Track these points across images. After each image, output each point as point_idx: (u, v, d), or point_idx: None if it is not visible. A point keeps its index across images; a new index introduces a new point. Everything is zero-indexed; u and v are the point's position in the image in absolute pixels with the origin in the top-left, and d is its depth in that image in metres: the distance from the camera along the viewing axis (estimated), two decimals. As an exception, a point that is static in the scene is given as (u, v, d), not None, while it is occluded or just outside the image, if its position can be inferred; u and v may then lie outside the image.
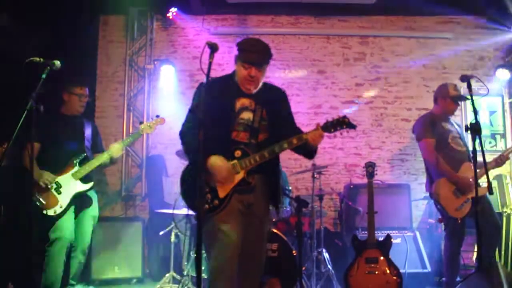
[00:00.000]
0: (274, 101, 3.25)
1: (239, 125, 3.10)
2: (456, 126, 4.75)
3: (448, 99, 4.65)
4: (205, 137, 2.61)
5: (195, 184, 2.93)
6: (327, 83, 6.65)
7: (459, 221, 4.36)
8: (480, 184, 4.27)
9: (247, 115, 3.12)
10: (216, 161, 2.98)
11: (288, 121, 3.30)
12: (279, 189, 3.27)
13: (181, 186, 3.15)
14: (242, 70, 3.09)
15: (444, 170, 4.45)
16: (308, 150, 3.15)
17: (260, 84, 3.18)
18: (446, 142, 4.56)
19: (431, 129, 4.59)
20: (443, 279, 4.56)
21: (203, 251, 3.21)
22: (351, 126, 3.05)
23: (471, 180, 4.27)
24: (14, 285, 4.48)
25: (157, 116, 4.81)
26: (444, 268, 4.53)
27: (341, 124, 3.02)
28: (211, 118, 2.82)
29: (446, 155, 4.51)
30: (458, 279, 4.40)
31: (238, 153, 3.05)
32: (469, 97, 3.59)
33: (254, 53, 3.09)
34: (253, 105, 3.14)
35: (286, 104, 3.34)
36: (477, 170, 3.52)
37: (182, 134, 3.18)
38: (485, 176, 3.55)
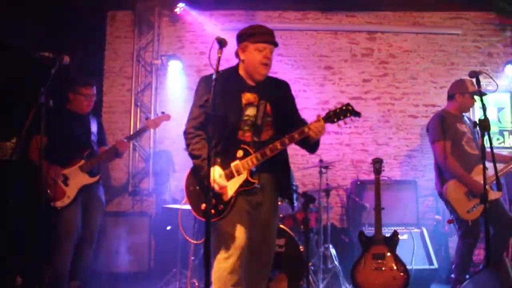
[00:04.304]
0: (278, 93, 3.17)
1: (244, 123, 3.02)
2: (468, 121, 4.70)
3: (467, 95, 4.58)
4: (211, 137, 2.55)
5: (199, 189, 2.96)
6: (334, 79, 6.63)
7: (470, 224, 4.33)
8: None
9: (251, 112, 3.04)
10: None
11: (293, 114, 3.22)
12: (290, 185, 3.20)
13: (186, 191, 3.08)
14: (256, 55, 3.03)
15: (458, 173, 4.41)
16: (310, 143, 3.04)
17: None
18: (460, 144, 4.51)
19: (447, 131, 4.51)
20: (452, 275, 4.54)
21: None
22: (355, 113, 2.89)
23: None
24: (22, 279, 4.51)
25: (162, 113, 4.82)
26: (454, 265, 4.50)
27: (345, 112, 2.88)
28: (217, 115, 2.75)
29: (459, 157, 4.46)
30: (467, 276, 4.38)
31: (240, 153, 2.96)
32: (487, 92, 3.53)
33: (267, 34, 3.06)
34: (257, 100, 3.07)
35: (290, 96, 3.26)
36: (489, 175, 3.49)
37: (186, 135, 3.09)
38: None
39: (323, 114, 2.96)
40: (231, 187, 2.95)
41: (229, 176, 2.95)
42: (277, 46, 3.12)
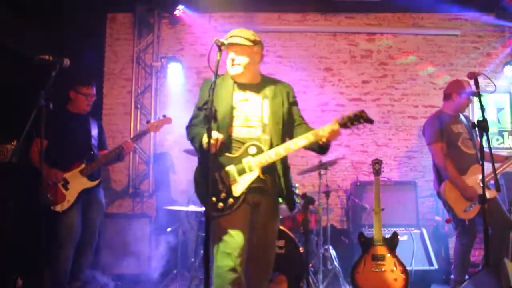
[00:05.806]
0: (277, 92, 3.16)
1: (237, 119, 3.06)
2: (465, 121, 4.71)
3: (464, 95, 4.59)
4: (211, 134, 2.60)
5: (207, 183, 2.95)
6: (334, 81, 6.64)
7: (467, 223, 4.35)
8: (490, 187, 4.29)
9: (247, 108, 3.09)
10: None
11: (294, 114, 3.23)
12: (290, 186, 3.21)
13: (195, 186, 3.10)
14: (228, 58, 3.11)
15: (453, 176, 4.43)
16: (322, 146, 3.05)
17: (246, 70, 3.10)
18: (456, 145, 4.53)
19: (442, 132, 4.53)
20: (451, 276, 4.55)
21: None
22: (369, 120, 2.92)
23: (477, 189, 4.28)
24: (23, 281, 4.51)
25: (164, 116, 4.82)
26: (453, 266, 4.52)
27: (359, 118, 2.90)
28: (215, 117, 2.79)
29: (455, 157, 4.48)
30: (466, 277, 4.39)
31: (252, 149, 3.00)
32: (484, 93, 3.55)
33: (230, 37, 3.06)
34: (253, 97, 3.11)
35: (291, 95, 3.24)
36: (485, 174, 3.49)
37: (188, 129, 3.16)
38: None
39: (338, 117, 2.96)
40: (243, 183, 2.98)
41: (241, 172, 2.98)
42: (244, 45, 3.07)
